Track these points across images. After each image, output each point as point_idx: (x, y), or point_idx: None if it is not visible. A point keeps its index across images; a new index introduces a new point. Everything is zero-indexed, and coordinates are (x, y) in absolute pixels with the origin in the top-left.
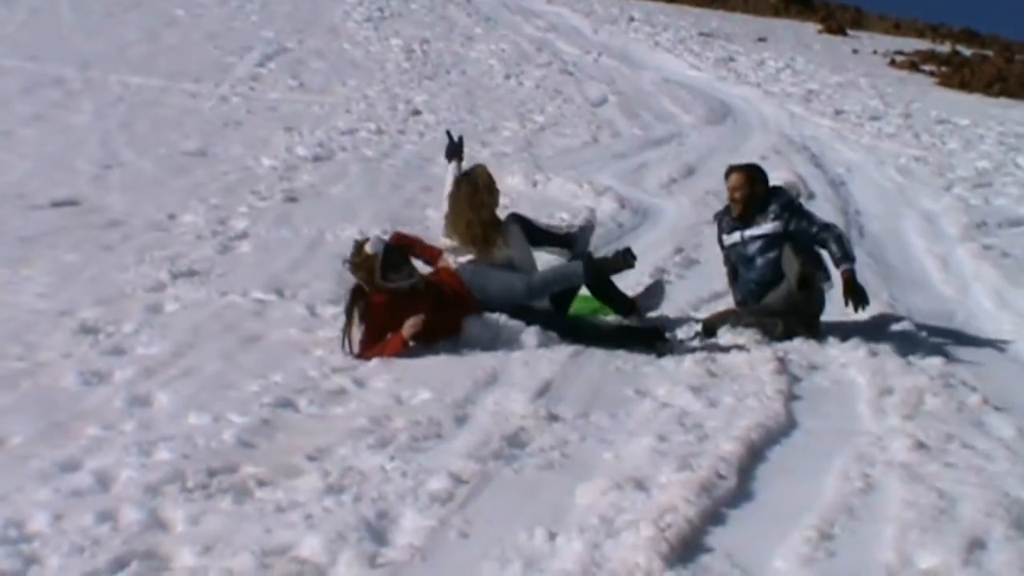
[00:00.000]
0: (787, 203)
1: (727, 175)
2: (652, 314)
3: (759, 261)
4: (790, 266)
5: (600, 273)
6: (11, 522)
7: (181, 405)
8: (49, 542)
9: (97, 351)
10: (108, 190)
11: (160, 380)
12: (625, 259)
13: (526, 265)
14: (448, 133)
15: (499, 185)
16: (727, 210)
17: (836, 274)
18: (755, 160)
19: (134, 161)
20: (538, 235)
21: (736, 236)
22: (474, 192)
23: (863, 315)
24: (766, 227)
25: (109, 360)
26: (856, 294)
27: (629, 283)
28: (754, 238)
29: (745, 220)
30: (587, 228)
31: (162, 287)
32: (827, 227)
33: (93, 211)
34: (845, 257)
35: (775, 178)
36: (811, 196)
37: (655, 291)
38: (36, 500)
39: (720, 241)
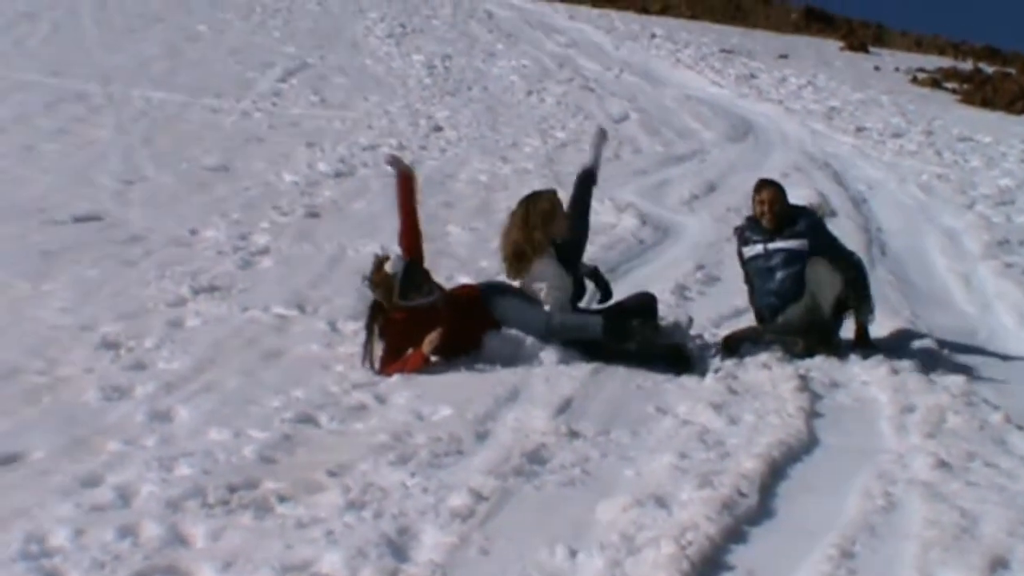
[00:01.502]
0: (816, 223)
1: (758, 189)
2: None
3: (779, 274)
4: (825, 285)
5: (620, 338)
6: (32, 537)
7: (202, 420)
8: (70, 557)
9: (118, 366)
10: (130, 205)
11: (181, 395)
12: (644, 333)
13: (555, 303)
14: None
15: None
16: (750, 223)
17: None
18: (776, 177)
19: (156, 176)
20: (572, 212)
21: (759, 248)
22: (527, 215)
23: (884, 332)
24: (792, 243)
25: (130, 375)
26: (866, 346)
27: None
28: (778, 251)
29: (772, 233)
30: (599, 142)
31: (183, 302)
32: (853, 254)
33: (115, 226)
34: (863, 306)
35: (799, 196)
36: (833, 213)
37: (680, 325)
38: (57, 515)
39: (740, 254)
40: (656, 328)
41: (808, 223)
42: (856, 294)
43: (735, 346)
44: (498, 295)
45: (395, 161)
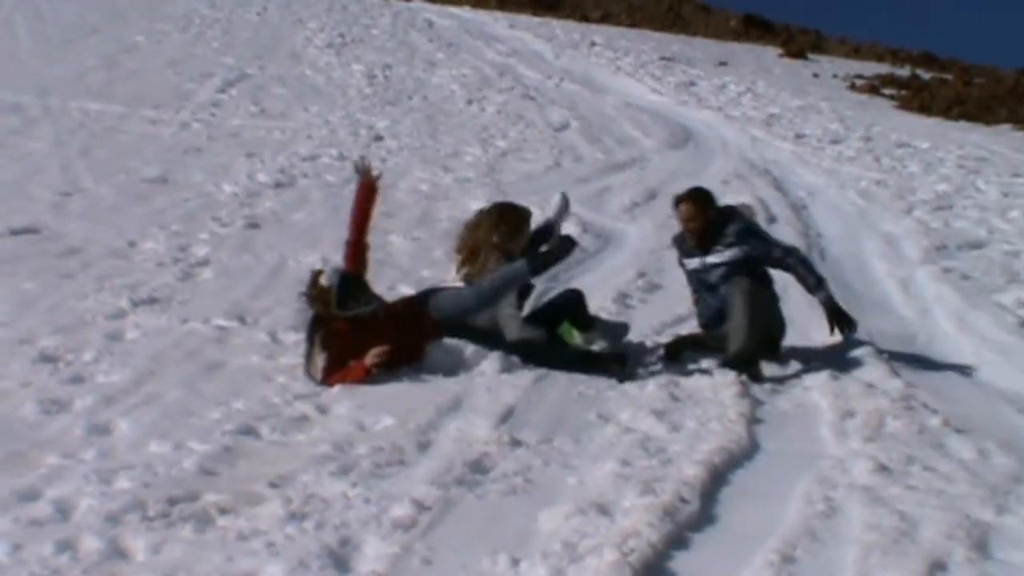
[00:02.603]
0: (744, 228)
1: (676, 205)
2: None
3: (721, 289)
4: (734, 312)
5: (544, 265)
6: None
7: (142, 433)
8: (8, 572)
9: (57, 379)
10: (68, 218)
11: (121, 408)
12: (565, 247)
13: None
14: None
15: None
16: (684, 235)
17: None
18: (707, 184)
19: (94, 188)
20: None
21: (696, 262)
22: (499, 220)
23: (824, 338)
24: (726, 254)
25: (69, 388)
26: (842, 318)
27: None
28: (715, 266)
29: (703, 247)
30: (560, 210)
31: (122, 315)
32: (790, 251)
33: (52, 239)
34: (818, 284)
35: (729, 199)
36: (772, 220)
37: (619, 329)
38: None
39: (681, 263)
40: (573, 240)
41: (737, 229)
42: (808, 272)
43: (677, 353)
44: (433, 294)
45: (364, 169)
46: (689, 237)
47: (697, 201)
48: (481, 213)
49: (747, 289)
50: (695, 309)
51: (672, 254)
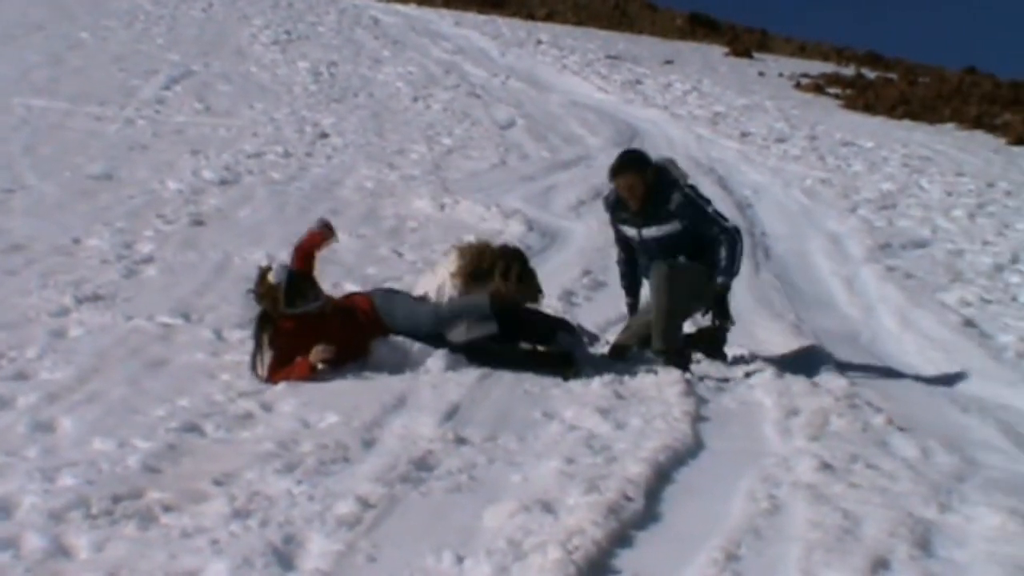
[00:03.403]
0: (686, 201)
1: (613, 176)
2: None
3: (659, 258)
4: (653, 305)
5: (505, 305)
6: None
7: (85, 430)
8: None
9: (0, 377)
10: (11, 214)
11: (64, 405)
12: (531, 293)
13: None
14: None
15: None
16: (620, 200)
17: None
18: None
19: (38, 185)
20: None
21: (633, 232)
22: (511, 266)
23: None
24: (666, 227)
25: (11, 386)
26: (722, 313)
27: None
28: (652, 239)
29: (644, 217)
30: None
31: (66, 312)
32: (724, 232)
33: None
34: (725, 271)
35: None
36: None
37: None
38: None
39: (614, 226)
40: (539, 289)
41: (679, 201)
42: (726, 258)
43: (623, 351)
44: (388, 295)
45: (326, 223)
46: (633, 205)
47: (635, 169)
48: (504, 252)
49: (663, 279)
50: (618, 269)
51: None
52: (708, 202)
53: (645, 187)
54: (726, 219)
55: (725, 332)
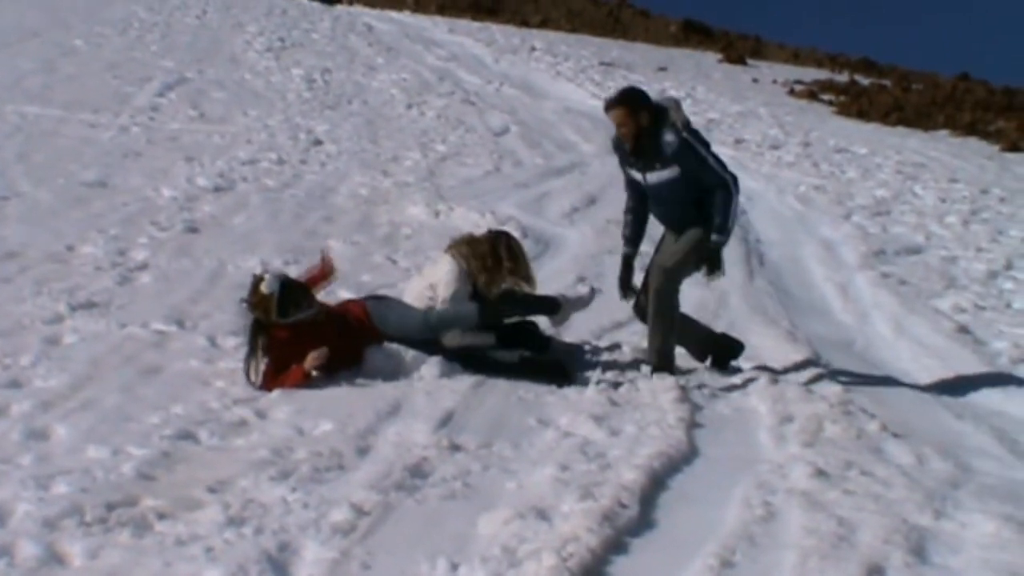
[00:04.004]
0: (682, 144)
1: (607, 110)
2: (556, 338)
3: (662, 207)
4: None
5: (496, 319)
6: None
7: (80, 438)
8: None
9: None
10: (5, 222)
11: (58, 413)
12: (526, 310)
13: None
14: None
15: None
16: (621, 142)
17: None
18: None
19: (32, 192)
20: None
21: (639, 176)
22: (507, 254)
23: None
24: (666, 173)
25: (6, 393)
26: (712, 264)
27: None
28: (656, 184)
29: (644, 160)
30: (580, 300)
31: (60, 319)
32: (721, 184)
33: None
34: (718, 229)
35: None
36: None
37: (585, 299)
38: None
39: (623, 168)
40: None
41: (675, 145)
42: (720, 216)
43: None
44: (381, 301)
45: (327, 259)
46: (628, 147)
47: (627, 105)
48: (501, 239)
49: (656, 298)
50: (623, 219)
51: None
52: (707, 148)
53: (637, 126)
54: (724, 168)
55: (738, 352)
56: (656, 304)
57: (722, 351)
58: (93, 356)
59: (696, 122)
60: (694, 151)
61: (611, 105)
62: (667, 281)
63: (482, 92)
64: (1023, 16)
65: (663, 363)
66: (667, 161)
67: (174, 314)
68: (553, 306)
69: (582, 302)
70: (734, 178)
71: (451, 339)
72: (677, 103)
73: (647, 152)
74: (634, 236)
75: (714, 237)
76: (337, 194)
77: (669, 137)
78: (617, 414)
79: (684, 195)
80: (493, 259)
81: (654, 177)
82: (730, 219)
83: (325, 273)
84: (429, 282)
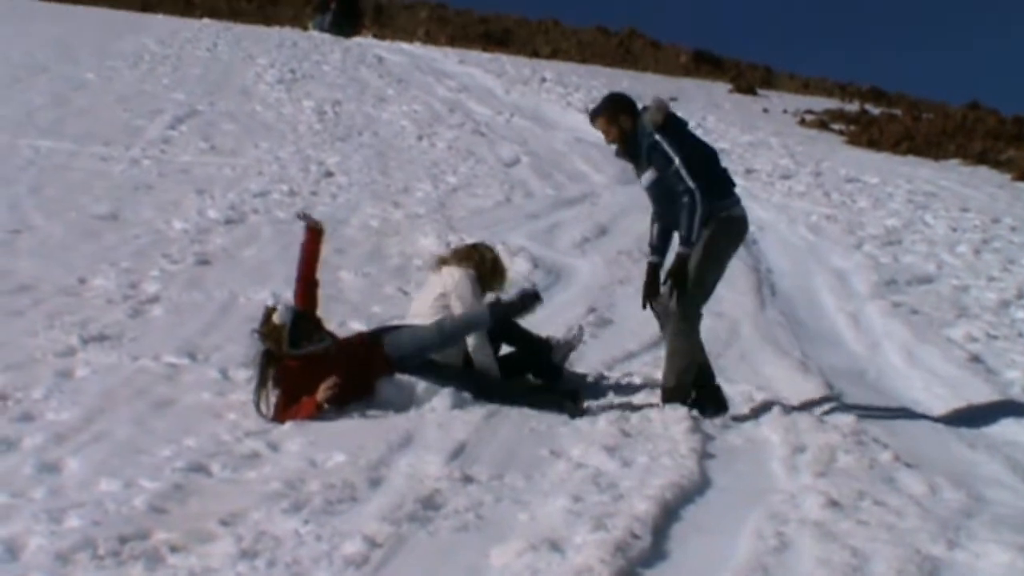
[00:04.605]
0: (650, 147)
1: (591, 123)
2: (568, 369)
3: (661, 203)
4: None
5: (506, 316)
6: None
7: (92, 471)
8: None
9: (6, 418)
10: (17, 255)
11: (71, 446)
12: (527, 301)
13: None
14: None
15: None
16: None
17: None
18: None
19: (44, 225)
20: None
21: (638, 180)
22: (485, 262)
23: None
24: (648, 175)
25: (18, 427)
26: (679, 280)
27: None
28: (647, 186)
29: (634, 164)
30: (571, 342)
31: (72, 352)
32: (685, 194)
33: (1, 276)
34: (683, 241)
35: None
36: None
37: (573, 340)
38: None
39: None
40: (538, 296)
41: (647, 145)
42: (685, 228)
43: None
44: (390, 331)
45: (306, 216)
46: (617, 151)
47: (604, 113)
48: (482, 250)
49: (672, 325)
50: (650, 227)
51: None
52: (678, 151)
53: (620, 131)
54: (693, 175)
55: (721, 413)
56: (673, 342)
57: (709, 402)
58: (105, 389)
59: None
60: (662, 152)
61: (592, 117)
62: (682, 321)
63: (492, 123)
64: None
65: (675, 396)
66: (646, 163)
67: (186, 347)
68: (545, 347)
69: (570, 346)
70: (698, 188)
71: (480, 350)
72: (659, 104)
73: (634, 156)
74: (658, 244)
75: (680, 249)
76: (348, 226)
77: (641, 139)
78: (629, 445)
79: (672, 195)
80: (493, 266)
81: (644, 180)
82: (692, 232)
83: (315, 236)
84: (439, 292)
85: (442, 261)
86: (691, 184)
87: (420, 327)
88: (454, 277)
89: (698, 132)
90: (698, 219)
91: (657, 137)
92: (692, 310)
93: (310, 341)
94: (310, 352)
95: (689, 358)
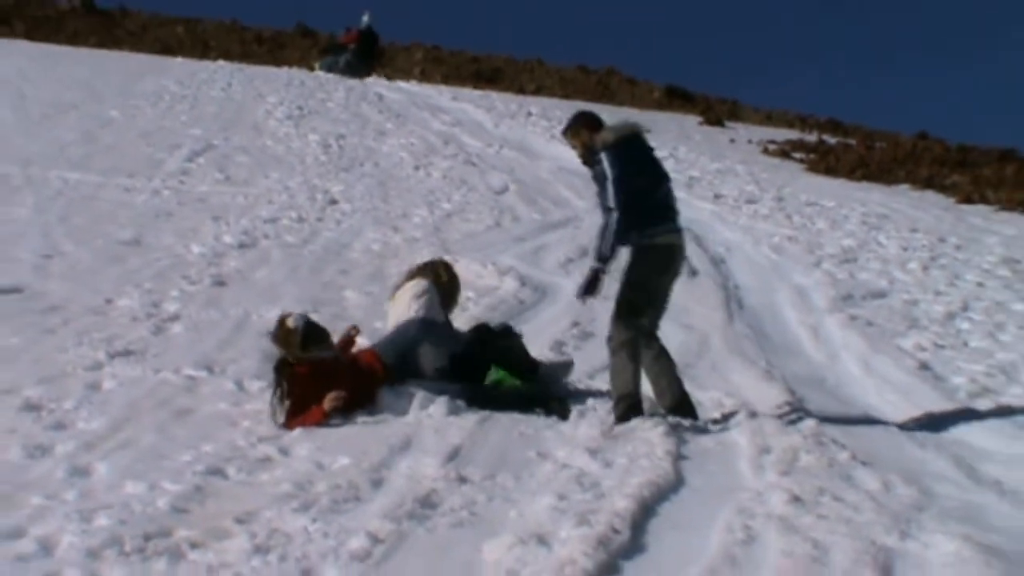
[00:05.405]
0: (596, 161)
1: (563, 135)
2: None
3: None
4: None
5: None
6: None
7: (119, 475)
8: None
9: (40, 426)
10: (49, 278)
11: (99, 452)
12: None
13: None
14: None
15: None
16: None
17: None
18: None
19: (73, 251)
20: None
21: None
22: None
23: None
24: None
25: (51, 434)
26: (591, 287)
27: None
28: (596, 196)
29: (592, 174)
30: (565, 366)
31: (100, 366)
32: (605, 210)
33: (35, 297)
34: (596, 256)
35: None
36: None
37: (563, 368)
38: None
39: None
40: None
41: (594, 161)
42: (596, 244)
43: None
44: (381, 340)
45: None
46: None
47: (568, 129)
48: (440, 266)
49: (610, 350)
50: None
51: (603, 306)
52: (614, 172)
53: (582, 144)
54: (614, 198)
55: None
56: (612, 363)
57: (680, 412)
58: (130, 400)
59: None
60: (601, 169)
61: (564, 132)
62: (616, 340)
63: (483, 154)
64: (977, 78)
65: (625, 413)
66: (592, 175)
67: (204, 360)
68: (535, 366)
69: (564, 368)
70: (612, 210)
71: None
72: (617, 126)
73: (590, 167)
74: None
75: (591, 263)
76: (352, 249)
77: (595, 153)
78: (610, 447)
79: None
80: (449, 276)
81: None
82: (600, 249)
83: (350, 338)
84: (411, 296)
85: (410, 275)
86: (611, 204)
87: (397, 327)
88: (421, 285)
89: (669, 161)
90: (607, 238)
91: (602, 155)
92: (619, 326)
93: (318, 347)
94: (320, 359)
95: (628, 373)
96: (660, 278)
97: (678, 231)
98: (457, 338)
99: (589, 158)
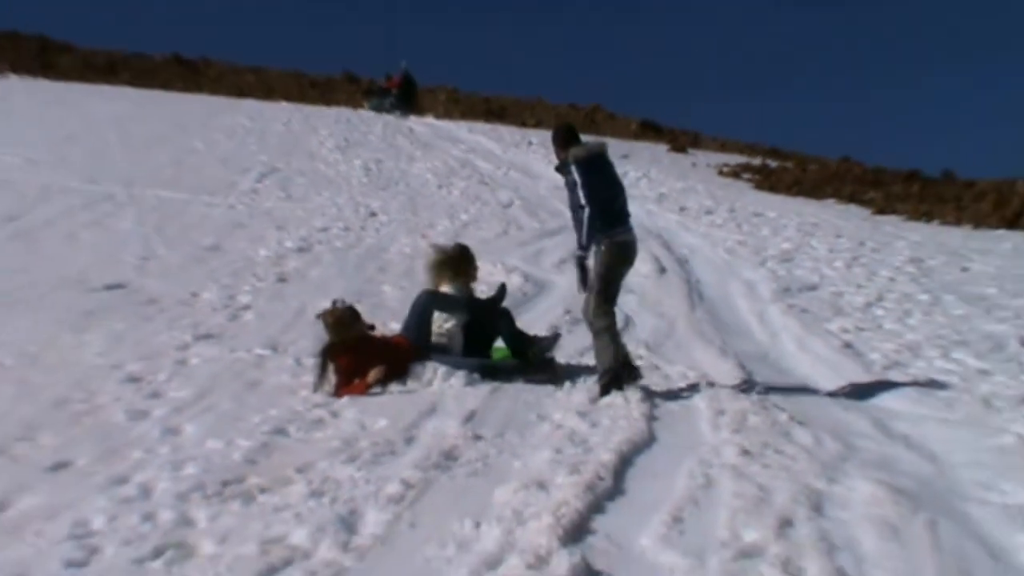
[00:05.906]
0: (568, 170)
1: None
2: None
3: (573, 214)
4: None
5: (537, 347)
6: (78, 523)
7: (202, 433)
8: (106, 537)
9: (140, 395)
10: (147, 276)
11: (187, 415)
12: (553, 340)
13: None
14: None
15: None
16: None
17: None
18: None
19: (166, 254)
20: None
21: None
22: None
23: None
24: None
25: (148, 402)
26: (583, 278)
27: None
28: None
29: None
30: (552, 338)
31: (187, 347)
32: (580, 209)
33: (136, 292)
34: (578, 245)
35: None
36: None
37: (552, 340)
38: (96, 506)
39: None
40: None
41: (567, 169)
42: (577, 235)
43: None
44: (404, 321)
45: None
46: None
47: (553, 140)
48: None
49: (592, 332)
50: None
51: None
52: (583, 179)
53: (559, 153)
54: (584, 199)
55: (635, 380)
56: (595, 343)
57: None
58: (211, 373)
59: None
60: (572, 177)
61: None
62: (595, 323)
63: (493, 175)
64: (893, 108)
65: (608, 384)
66: (565, 181)
67: (270, 342)
68: (529, 342)
69: (549, 341)
70: (584, 207)
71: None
72: (589, 144)
73: (563, 173)
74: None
75: (576, 252)
76: (388, 252)
77: (568, 162)
78: (596, 410)
79: (573, 209)
80: (457, 251)
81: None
82: (580, 239)
83: (372, 327)
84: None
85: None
86: (584, 202)
87: (410, 307)
88: (428, 263)
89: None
90: (586, 230)
91: (573, 165)
92: (599, 312)
93: (356, 327)
94: (358, 337)
95: (610, 351)
96: (620, 268)
97: (632, 230)
98: (463, 304)
99: (562, 168)
